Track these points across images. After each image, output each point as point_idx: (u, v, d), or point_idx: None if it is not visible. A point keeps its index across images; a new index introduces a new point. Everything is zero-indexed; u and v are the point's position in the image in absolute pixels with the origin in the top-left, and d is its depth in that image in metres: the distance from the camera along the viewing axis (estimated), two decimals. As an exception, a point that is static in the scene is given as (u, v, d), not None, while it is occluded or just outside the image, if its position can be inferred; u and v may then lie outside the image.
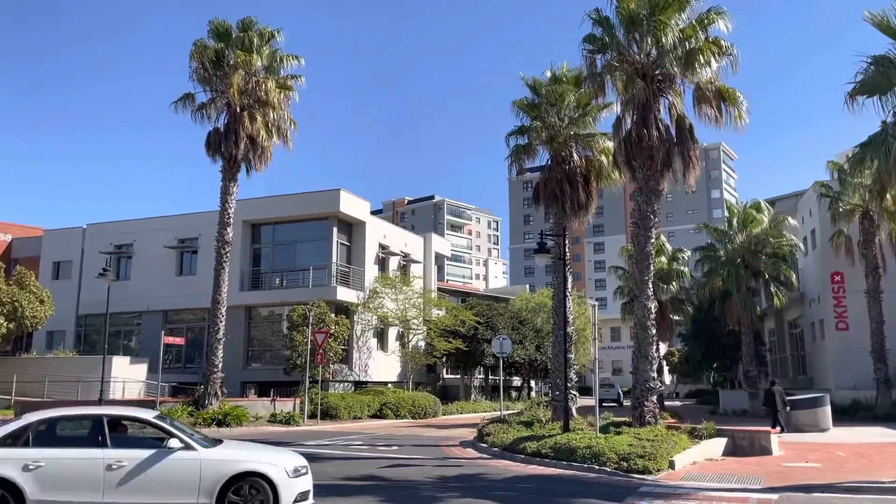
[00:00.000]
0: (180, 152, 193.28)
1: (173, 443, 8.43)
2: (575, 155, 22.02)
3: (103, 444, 8.35)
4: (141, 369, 32.04)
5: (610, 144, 21.04)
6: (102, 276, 24.53)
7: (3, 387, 30.74)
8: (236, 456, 8.72)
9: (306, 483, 8.81)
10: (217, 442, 9.17)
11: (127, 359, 32.54)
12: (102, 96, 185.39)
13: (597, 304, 18.45)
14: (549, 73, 22.46)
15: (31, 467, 8.08)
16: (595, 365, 17.30)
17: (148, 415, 9.37)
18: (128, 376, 30.84)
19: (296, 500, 8.51)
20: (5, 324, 28.87)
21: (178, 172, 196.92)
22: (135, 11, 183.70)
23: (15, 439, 8.34)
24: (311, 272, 34.12)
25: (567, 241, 20.93)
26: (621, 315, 39.39)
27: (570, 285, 21.25)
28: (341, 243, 35.31)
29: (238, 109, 25.49)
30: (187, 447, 8.46)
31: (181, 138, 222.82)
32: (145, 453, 8.34)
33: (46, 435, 8.60)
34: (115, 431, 8.62)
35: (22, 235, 44.86)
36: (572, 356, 21.55)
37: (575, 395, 21.16)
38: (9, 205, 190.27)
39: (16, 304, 29.26)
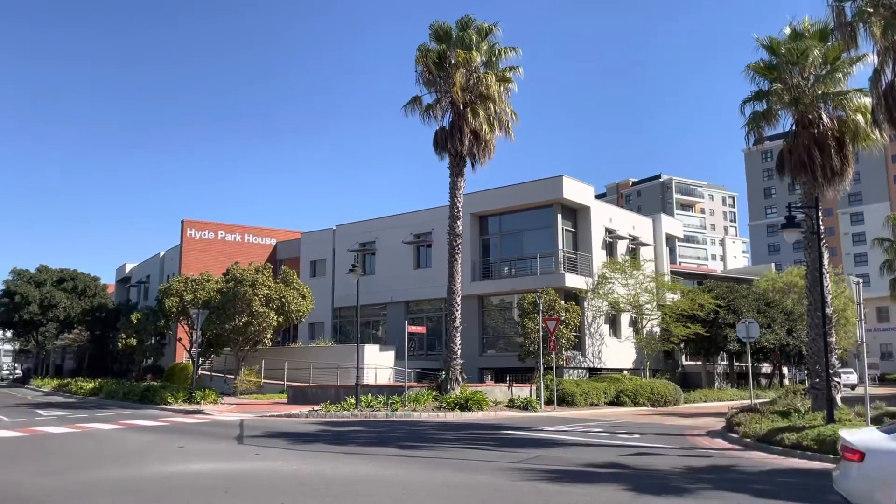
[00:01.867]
0: (413, 152, 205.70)
1: None
2: (824, 116, 19.80)
3: None
4: (389, 356, 34.63)
5: (866, 101, 18.63)
6: (352, 272, 26.82)
7: (277, 373, 34.98)
8: None
9: None
10: None
11: (377, 347, 35.36)
12: (341, 104, 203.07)
13: (860, 281, 16.36)
14: (787, 30, 20.39)
15: None
16: (863, 349, 15.39)
17: None
18: (378, 363, 33.51)
19: None
20: (275, 317, 32.72)
21: (412, 172, 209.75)
22: (361, 21, 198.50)
23: None
24: (539, 260, 34.42)
25: (819, 214, 18.86)
26: (890, 292, 34.76)
27: (825, 262, 19.14)
28: (566, 229, 35.17)
29: (461, 106, 26.43)
30: None
31: (413, 139, 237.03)
32: None
33: None
34: None
35: (283, 239, 50.69)
36: (832, 339, 19.41)
37: (838, 382, 19.04)
38: (272, 212, 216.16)
39: (283, 299, 33.06)
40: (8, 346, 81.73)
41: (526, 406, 24.99)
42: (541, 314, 27.82)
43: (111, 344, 50.59)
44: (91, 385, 38.01)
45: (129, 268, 64.56)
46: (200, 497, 9.06)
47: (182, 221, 48.07)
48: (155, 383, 34.87)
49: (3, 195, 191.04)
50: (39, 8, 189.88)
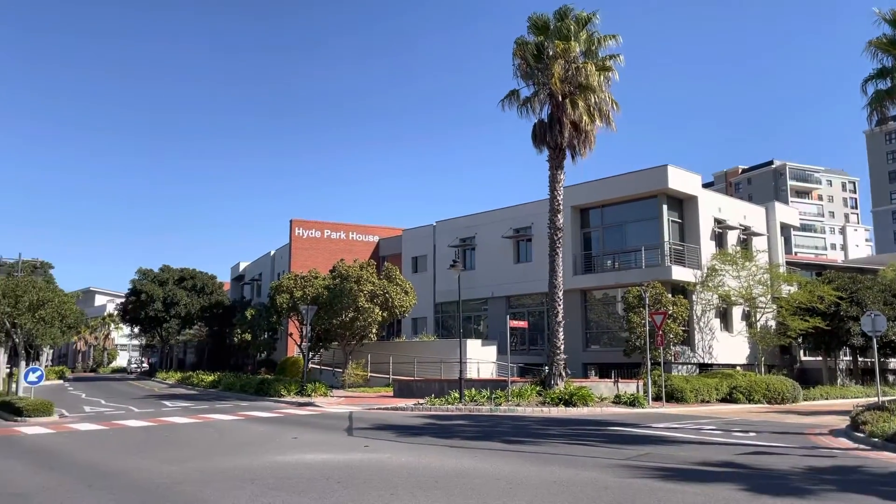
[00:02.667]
0: (511, 147, 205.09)
1: None
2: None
3: None
4: (491, 351, 34.73)
5: None
6: (452, 268, 27.05)
7: (382, 367, 35.83)
8: None
9: None
10: None
11: (478, 341, 35.53)
12: (439, 102, 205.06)
13: None
14: (915, -1, 18.88)
15: None
16: None
17: None
18: (480, 357, 33.67)
19: None
20: (380, 312, 33.50)
21: (510, 166, 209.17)
22: (457, 17, 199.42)
23: None
24: (643, 252, 33.53)
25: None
26: None
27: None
28: (672, 221, 34.05)
29: (560, 98, 26.07)
30: None
31: (511, 134, 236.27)
32: None
33: None
34: None
35: (385, 236, 51.80)
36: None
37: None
38: (374, 210, 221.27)
39: (387, 295, 33.80)
40: (135, 342, 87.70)
41: (633, 402, 24.43)
42: (647, 308, 27.10)
43: (228, 339, 53.37)
44: (211, 378, 40.26)
45: (242, 266, 67.85)
46: (316, 487, 9.41)
47: (291, 221, 50.03)
48: (269, 376, 36.52)
49: (134, 202, 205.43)
50: (156, 26, 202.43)
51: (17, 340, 26.35)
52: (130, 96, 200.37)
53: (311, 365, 34.62)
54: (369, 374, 35.65)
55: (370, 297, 33.23)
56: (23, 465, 12.19)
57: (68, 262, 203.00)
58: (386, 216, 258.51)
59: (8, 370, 33.86)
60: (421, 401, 25.12)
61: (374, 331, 34.07)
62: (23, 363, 26.72)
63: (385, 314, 34.29)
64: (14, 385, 27.23)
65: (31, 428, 18.63)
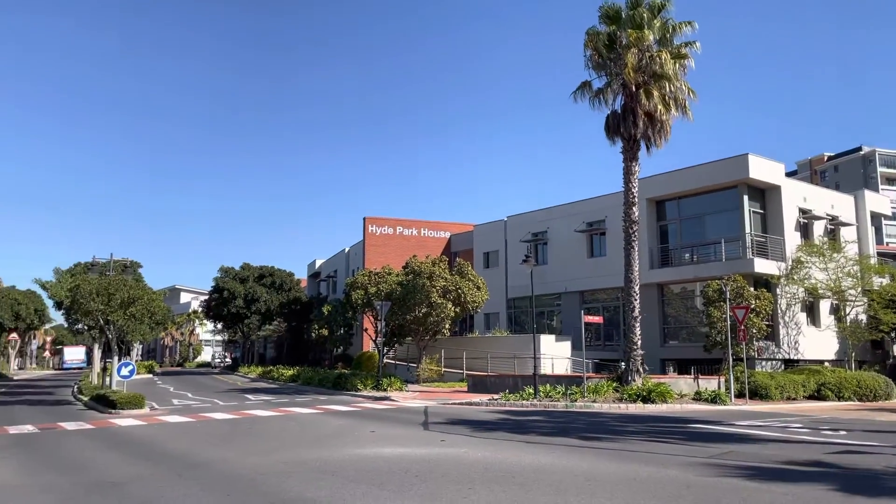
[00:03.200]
0: (582, 140, 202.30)
1: None
2: None
3: None
4: (565, 346, 34.39)
5: None
6: (525, 263, 26.91)
7: (456, 362, 35.99)
8: None
9: None
10: None
11: (552, 337, 35.24)
12: (509, 96, 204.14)
13: None
14: None
15: None
16: None
17: None
18: (554, 353, 33.39)
19: None
20: (452, 308, 33.66)
21: (581, 159, 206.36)
22: (528, 9, 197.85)
23: None
24: (723, 245, 32.49)
25: None
26: None
27: None
28: (754, 211, 32.86)
29: (633, 88, 25.50)
30: None
31: (583, 126, 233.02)
32: None
33: None
34: None
35: (457, 231, 51.98)
36: None
37: None
38: (447, 206, 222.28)
39: (459, 291, 33.93)
40: (218, 337, 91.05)
41: (714, 399, 23.72)
42: (728, 302, 26.26)
43: (306, 334, 54.76)
44: (290, 372, 41.39)
45: (318, 263, 69.44)
46: (394, 480, 9.55)
47: (364, 219, 50.85)
48: (345, 371, 37.28)
49: (215, 201, 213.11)
50: (231, 31, 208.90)
51: (110, 336, 27.76)
52: (223, 96, 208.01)
53: (385, 360, 35.13)
54: (443, 369, 35.89)
55: (443, 293, 33.43)
56: (118, 455, 12.87)
57: (155, 261, 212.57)
58: (457, 212, 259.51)
59: (102, 365, 35.75)
60: (495, 396, 25.12)
61: (446, 326, 34.26)
62: (115, 358, 28.13)
63: (458, 310, 34.44)
64: (108, 379, 28.71)
65: (124, 420, 19.62)
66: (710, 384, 25.94)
